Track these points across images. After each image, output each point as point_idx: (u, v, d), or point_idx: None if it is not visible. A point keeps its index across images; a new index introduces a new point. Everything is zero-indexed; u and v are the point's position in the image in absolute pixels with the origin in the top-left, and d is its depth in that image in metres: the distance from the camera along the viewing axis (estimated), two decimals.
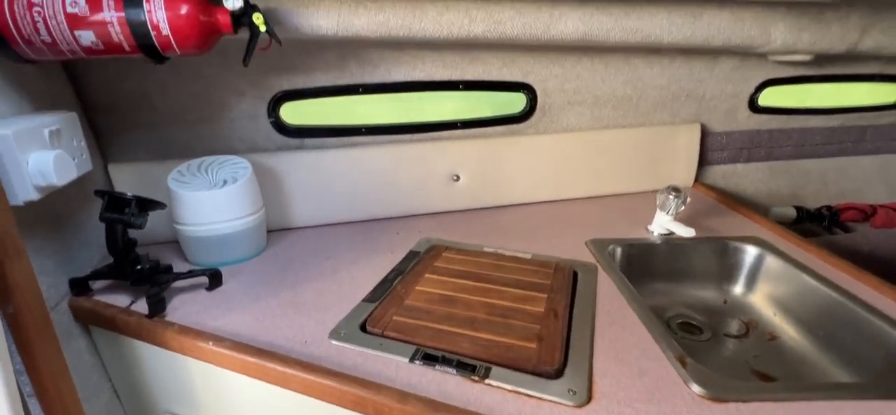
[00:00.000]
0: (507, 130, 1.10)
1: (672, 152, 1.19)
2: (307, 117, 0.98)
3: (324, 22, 0.75)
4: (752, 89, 1.19)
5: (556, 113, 1.10)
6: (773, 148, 1.28)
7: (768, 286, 0.85)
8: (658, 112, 1.17)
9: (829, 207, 1.26)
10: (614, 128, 1.16)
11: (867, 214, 1.22)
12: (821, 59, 1.08)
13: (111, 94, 0.83)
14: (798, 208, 1.27)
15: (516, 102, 1.08)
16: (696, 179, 1.24)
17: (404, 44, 0.88)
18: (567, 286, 0.73)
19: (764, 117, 1.25)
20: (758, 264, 0.87)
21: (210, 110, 0.90)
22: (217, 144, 0.94)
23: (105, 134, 0.86)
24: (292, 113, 0.96)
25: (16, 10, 0.56)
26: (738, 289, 0.89)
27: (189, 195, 0.79)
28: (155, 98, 0.85)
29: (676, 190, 0.89)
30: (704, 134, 1.22)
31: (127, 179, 0.87)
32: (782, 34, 0.95)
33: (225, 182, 0.82)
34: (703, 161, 1.24)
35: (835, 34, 0.98)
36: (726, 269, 0.89)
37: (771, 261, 0.84)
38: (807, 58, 1.04)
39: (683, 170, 1.21)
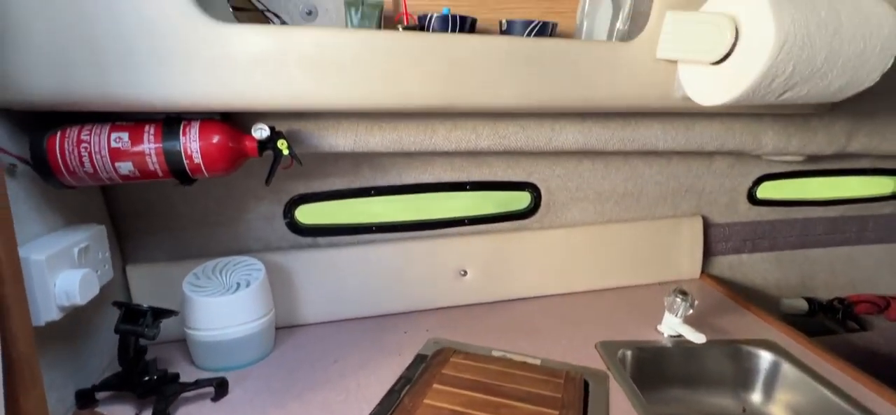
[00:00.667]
0: (513, 226, 1.13)
1: (676, 245, 1.20)
2: (320, 216, 1.02)
3: (341, 141, 0.80)
4: (749, 183, 1.23)
5: (560, 209, 1.14)
6: (777, 238, 1.29)
7: (787, 395, 0.83)
8: (660, 206, 1.21)
9: (841, 300, 1.25)
10: (618, 222, 1.19)
11: (881, 306, 1.20)
12: (814, 156, 1.12)
13: (137, 203, 0.87)
14: (809, 300, 1.26)
15: (522, 199, 1.12)
16: (703, 270, 1.24)
17: (415, 153, 0.94)
18: (578, 400, 0.72)
19: (764, 209, 1.27)
20: (774, 372, 0.85)
21: (229, 214, 0.94)
22: (233, 244, 0.97)
23: (127, 236, 0.90)
24: (306, 213, 1.01)
25: (66, 147, 0.62)
26: (756, 397, 0.86)
27: (202, 301, 0.81)
28: (179, 204, 0.90)
29: (683, 293, 0.89)
30: (707, 226, 1.24)
31: (143, 281, 0.90)
32: (772, 140, 1.00)
33: (238, 286, 0.84)
34: (708, 252, 1.26)
35: (822, 139, 1.02)
36: (742, 375, 0.88)
37: (787, 369, 0.83)
38: (799, 158, 1.08)
39: (688, 262, 1.22)
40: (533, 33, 0.72)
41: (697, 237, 1.22)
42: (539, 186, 1.09)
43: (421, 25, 0.72)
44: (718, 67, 0.68)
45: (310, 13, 0.75)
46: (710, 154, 1.13)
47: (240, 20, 0.66)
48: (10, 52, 0.57)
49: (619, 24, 0.79)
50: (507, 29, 0.73)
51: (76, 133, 0.63)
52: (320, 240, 1.02)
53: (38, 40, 0.57)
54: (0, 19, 0.56)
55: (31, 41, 0.57)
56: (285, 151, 0.72)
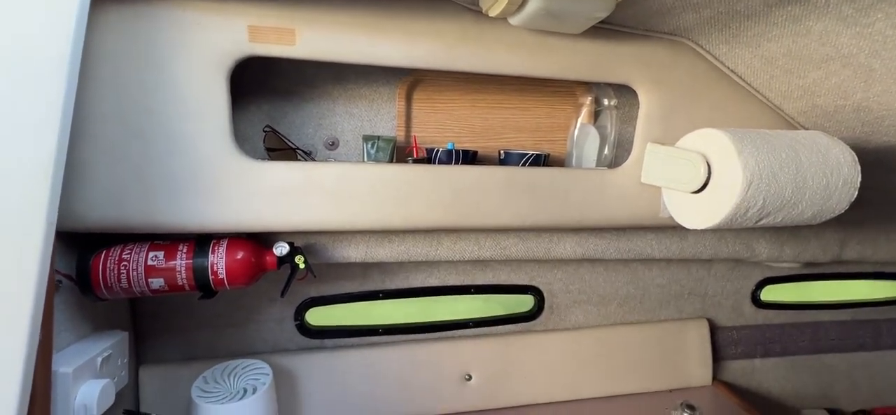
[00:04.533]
0: (517, 328, 1.15)
1: (684, 349, 1.20)
2: (329, 318, 1.07)
3: (353, 253, 0.87)
4: (752, 286, 1.25)
5: (563, 311, 1.17)
6: (788, 343, 1.27)
7: None
8: (663, 309, 1.22)
9: (866, 412, 1.20)
10: (623, 325, 1.20)
11: None
12: (812, 263, 1.15)
13: (158, 304, 0.94)
14: (832, 412, 1.21)
15: (525, 302, 1.16)
16: (714, 376, 1.22)
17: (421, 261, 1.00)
18: None
19: (772, 312, 1.27)
20: None
21: (241, 315, 1.00)
22: (242, 345, 1.01)
23: (143, 337, 0.96)
24: (316, 315, 1.05)
25: (108, 265, 0.70)
26: None
27: (210, 408, 0.84)
28: (194, 306, 0.96)
29: (691, 407, 0.89)
30: (714, 329, 1.24)
31: (153, 384, 0.94)
32: (766, 248, 1.04)
33: (245, 391, 0.87)
34: (718, 356, 1.24)
35: (816, 248, 1.06)
36: None
37: None
38: (797, 265, 1.11)
39: (698, 367, 1.20)
40: (528, 163, 0.81)
41: (705, 341, 1.21)
42: (542, 289, 1.13)
43: (429, 158, 0.81)
44: (697, 196, 0.74)
45: (332, 144, 0.86)
46: (709, 259, 1.16)
47: (272, 158, 0.76)
48: (75, 188, 0.67)
49: (606, 151, 0.87)
50: (505, 159, 0.82)
51: (119, 252, 0.71)
52: (327, 342, 1.06)
53: (101, 178, 0.67)
54: (70, 159, 0.66)
55: (95, 179, 0.67)
56: (302, 266, 0.79)
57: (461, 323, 1.12)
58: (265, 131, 0.76)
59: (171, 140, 0.68)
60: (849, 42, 0.69)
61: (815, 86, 0.80)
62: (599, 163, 0.88)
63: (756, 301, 1.26)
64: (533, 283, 1.13)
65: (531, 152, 0.81)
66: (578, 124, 0.85)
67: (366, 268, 1.01)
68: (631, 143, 0.85)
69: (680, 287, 1.20)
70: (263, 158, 0.72)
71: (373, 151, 0.80)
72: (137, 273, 0.70)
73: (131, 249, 0.72)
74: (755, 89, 0.86)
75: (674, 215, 0.80)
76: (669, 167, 0.77)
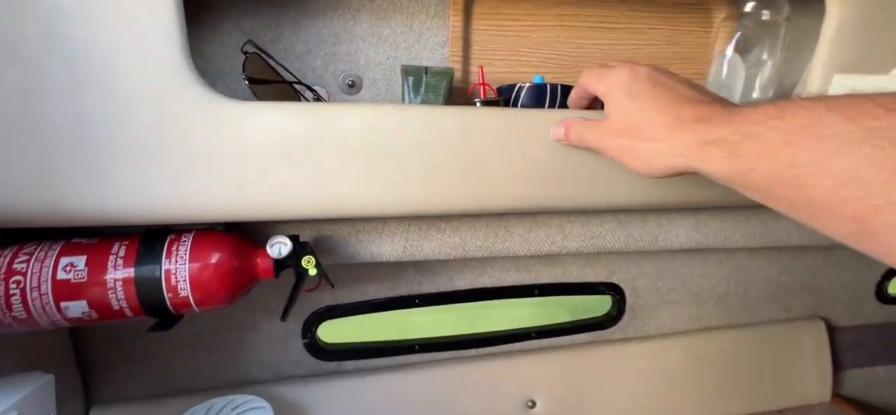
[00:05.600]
0: (591, 338, 0.89)
1: (796, 356, 0.95)
2: (349, 334, 0.79)
3: (386, 248, 0.59)
4: (878, 277, 0.99)
5: (648, 314, 0.90)
6: None
7: None
8: (769, 307, 0.96)
9: None
10: (718, 329, 0.94)
11: None
12: None
13: (109, 327, 0.66)
14: None
15: (601, 304, 0.89)
16: (834, 391, 0.97)
17: None
18: None
19: None
20: None
21: (232, 335, 0.72)
22: (232, 373, 0.74)
23: (93, 368, 0.68)
24: (331, 330, 0.78)
25: None
26: None
27: None
28: None
29: None
30: (831, 331, 0.99)
31: None
32: None
33: None
34: (837, 365, 0.99)
35: None
36: None
37: None
38: None
39: (815, 379, 0.95)
40: None
41: (823, 346, 0.96)
42: (623, 287, 0.86)
43: (505, 99, 0.53)
44: None
45: (352, 85, 0.57)
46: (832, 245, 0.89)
47: (260, 97, 0.47)
48: None
49: (755, 94, 0.59)
50: None
51: (7, 261, 0.42)
52: (347, 364, 0.78)
53: None
54: None
55: None
56: (312, 272, 0.51)
57: (521, 334, 0.85)
58: (246, 53, 0.46)
59: (88, 73, 0.39)
60: None
61: None
62: None
63: (882, 295, 0.99)
64: (613, 279, 0.85)
65: None
66: (729, 52, 0.56)
67: (399, 265, 0.73)
68: (784, 86, 0.57)
69: (791, 279, 0.94)
70: (248, 99, 0.43)
71: (418, 91, 0.51)
72: (41, 294, 0.42)
73: (31, 255, 0.43)
74: None
75: None
76: None
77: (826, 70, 0.54)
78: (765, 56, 0.57)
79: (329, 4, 0.54)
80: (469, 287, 0.79)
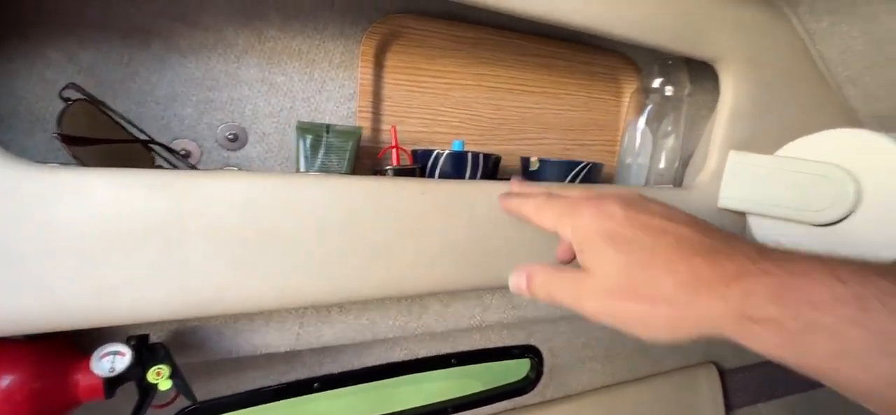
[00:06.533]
0: (511, 404, 0.84)
1: (695, 400, 0.99)
2: None
3: (275, 337, 0.48)
4: None
5: (565, 374, 0.88)
6: (789, 382, 1.14)
7: None
8: (671, 356, 1.00)
9: None
10: (630, 382, 0.95)
11: None
12: None
13: None
14: None
15: (519, 368, 0.85)
16: None
17: None
18: None
19: None
20: None
21: None
22: None
23: None
24: None
25: None
26: None
27: None
28: None
29: None
30: (721, 374, 1.06)
31: None
32: None
33: None
34: (729, 405, 1.06)
35: None
36: None
37: None
38: None
39: None
40: (578, 178, 0.50)
41: (716, 389, 1.02)
42: (541, 348, 0.83)
43: (421, 166, 0.46)
44: (823, 231, 0.50)
45: (234, 139, 0.46)
46: None
47: (87, 162, 0.35)
48: None
49: (661, 165, 0.60)
50: (539, 171, 0.50)
51: None
52: None
53: None
54: None
55: None
56: (165, 386, 0.38)
57: (438, 410, 0.77)
58: (67, 100, 0.34)
59: None
60: None
61: None
62: (649, 179, 0.61)
63: None
64: (530, 341, 0.82)
65: (584, 162, 0.50)
66: (641, 123, 0.56)
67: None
68: (684, 154, 0.60)
69: None
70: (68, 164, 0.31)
71: (316, 153, 0.42)
72: None
73: None
74: (837, 83, 0.66)
75: None
76: (776, 187, 0.52)
77: (722, 147, 0.57)
78: (669, 128, 0.59)
79: (204, 42, 0.44)
80: (379, 363, 0.69)
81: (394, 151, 0.45)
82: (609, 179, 0.63)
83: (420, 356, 0.72)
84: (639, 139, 0.56)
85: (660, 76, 0.57)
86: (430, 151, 0.45)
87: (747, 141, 0.59)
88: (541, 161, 0.50)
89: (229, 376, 0.60)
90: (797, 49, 0.60)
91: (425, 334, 0.70)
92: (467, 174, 0.45)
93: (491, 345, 0.78)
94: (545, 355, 0.84)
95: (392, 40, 0.50)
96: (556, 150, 0.60)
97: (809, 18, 0.58)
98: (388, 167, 0.44)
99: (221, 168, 0.46)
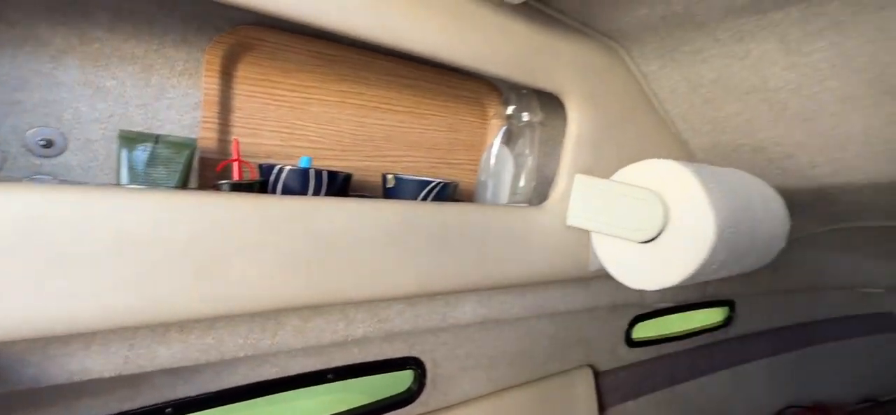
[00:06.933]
0: None
1: (572, 402, 1.07)
2: None
3: (98, 361, 0.44)
4: (626, 326, 1.21)
5: (448, 383, 0.90)
6: (656, 379, 1.28)
7: None
8: (551, 362, 1.07)
9: None
10: (511, 388, 1.00)
11: None
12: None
13: None
14: None
15: (401, 380, 0.86)
16: None
17: None
18: None
19: (640, 350, 1.26)
20: None
21: None
22: None
23: None
24: None
25: None
26: None
27: None
28: None
29: None
30: (596, 375, 1.15)
31: None
32: (654, 294, 0.98)
33: None
34: (603, 404, 1.15)
35: (691, 289, 1.05)
36: None
37: None
38: (671, 303, 1.09)
39: None
40: (431, 196, 0.52)
41: (590, 390, 1.11)
42: (423, 359, 0.85)
43: (262, 182, 0.45)
44: (645, 247, 0.57)
45: (48, 145, 0.42)
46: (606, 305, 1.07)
47: None
48: None
49: (521, 183, 0.65)
50: (395, 188, 0.52)
51: None
52: None
53: None
54: None
55: None
56: None
57: None
58: None
59: None
60: (779, 73, 0.62)
61: (726, 120, 0.73)
62: (512, 198, 0.66)
63: (629, 340, 1.22)
64: (412, 353, 0.83)
65: (436, 180, 0.52)
66: (497, 144, 0.60)
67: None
68: (547, 174, 0.65)
69: (567, 335, 1.08)
70: None
71: (142, 163, 0.40)
72: None
73: None
74: (671, 119, 0.76)
75: (612, 271, 0.62)
76: (607, 208, 0.59)
77: (570, 170, 0.63)
78: (527, 151, 0.64)
79: (11, 38, 0.40)
80: (245, 382, 0.66)
81: (236, 164, 0.44)
82: (469, 197, 0.67)
83: (293, 373, 0.70)
84: (493, 160, 0.60)
85: (514, 103, 0.61)
86: (274, 166, 0.45)
87: (592, 166, 0.66)
88: (397, 179, 0.52)
89: (59, 405, 0.54)
90: (634, 87, 0.68)
91: (298, 350, 0.69)
92: (310, 191, 0.45)
93: (371, 358, 0.78)
94: (428, 365, 0.86)
95: (243, 51, 0.49)
96: (422, 168, 0.63)
97: (642, 61, 0.67)
98: (223, 182, 0.43)
99: (29, 177, 0.42)
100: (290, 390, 0.71)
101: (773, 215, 0.60)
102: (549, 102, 0.67)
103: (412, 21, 0.45)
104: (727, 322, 1.46)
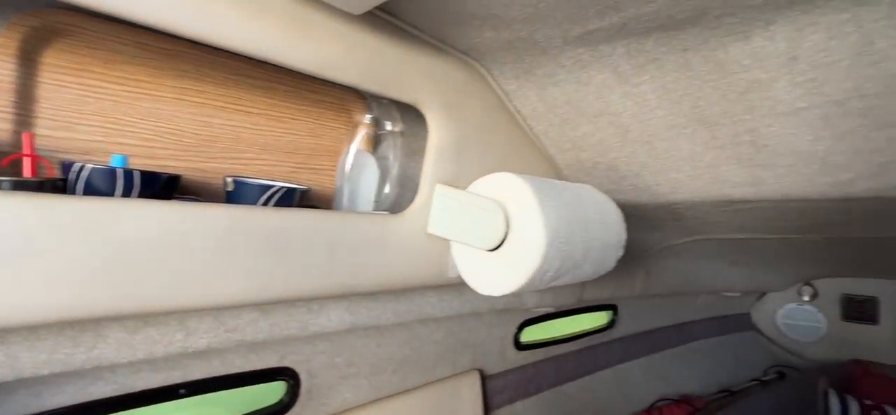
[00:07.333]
0: None
1: (458, 407, 1.10)
2: None
3: None
4: (515, 330, 1.27)
5: (326, 394, 0.88)
6: (541, 380, 1.35)
7: None
8: (439, 367, 1.09)
9: None
10: (397, 395, 1.00)
11: None
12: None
13: None
14: None
15: (273, 391, 0.82)
16: None
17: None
18: None
19: (528, 352, 1.32)
20: None
21: None
22: None
23: None
24: None
25: None
26: None
27: None
28: None
29: None
30: (484, 379, 1.20)
31: None
32: (531, 297, 1.04)
33: None
34: (488, 407, 1.20)
35: (567, 293, 1.13)
36: None
37: None
38: (553, 309, 1.17)
39: None
40: (273, 201, 0.51)
41: (477, 394, 1.14)
42: (297, 369, 0.82)
43: (61, 180, 0.41)
44: (492, 255, 0.60)
45: None
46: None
47: None
48: None
49: (386, 190, 0.66)
50: (235, 193, 0.50)
51: None
52: None
53: None
54: None
55: None
56: None
57: None
58: None
59: None
60: (618, 100, 0.69)
61: (582, 139, 0.80)
62: (378, 205, 0.66)
63: (517, 344, 1.28)
64: (285, 363, 0.81)
65: (280, 184, 0.51)
66: (353, 151, 0.60)
67: None
68: (417, 182, 0.67)
69: (455, 340, 1.10)
70: None
71: None
72: None
73: None
74: (536, 136, 0.82)
75: (465, 278, 0.64)
76: (462, 217, 0.62)
77: (431, 180, 0.65)
78: (391, 158, 0.65)
79: None
80: (72, 403, 0.59)
81: (29, 159, 0.40)
82: (327, 204, 0.66)
83: (137, 390, 0.64)
84: (349, 166, 0.60)
85: (375, 111, 0.62)
86: (73, 165, 0.41)
87: (455, 176, 0.68)
88: (236, 182, 0.50)
89: None
90: (496, 103, 0.73)
91: (141, 364, 0.63)
92: (119, 192, 0.42)
93: (235, 370, 0.74)
94: (302, 375, 0.83)
95: (51, 37, 0.44)
96: (280, 172, 0.61)
97: (502, 80, 0.71)
98: (3, 179, 0.38)
99: None
100: (131, 409, 0.65)
101: (608, 228, 0.66)
102: (417, 112, 0.69)
103: (244, 22, 0.43)
104: (611, 324, 1.59)
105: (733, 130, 0.69)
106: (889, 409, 1.58)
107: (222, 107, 0.55)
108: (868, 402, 1.60)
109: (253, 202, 0.51)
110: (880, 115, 0.58)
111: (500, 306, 1.02)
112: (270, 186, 0.50)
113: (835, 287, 2.00)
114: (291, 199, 0.52)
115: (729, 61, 0.58)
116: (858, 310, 1.90)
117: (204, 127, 0.54)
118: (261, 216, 0.48)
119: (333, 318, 0.71)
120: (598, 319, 1.58)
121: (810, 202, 0.81)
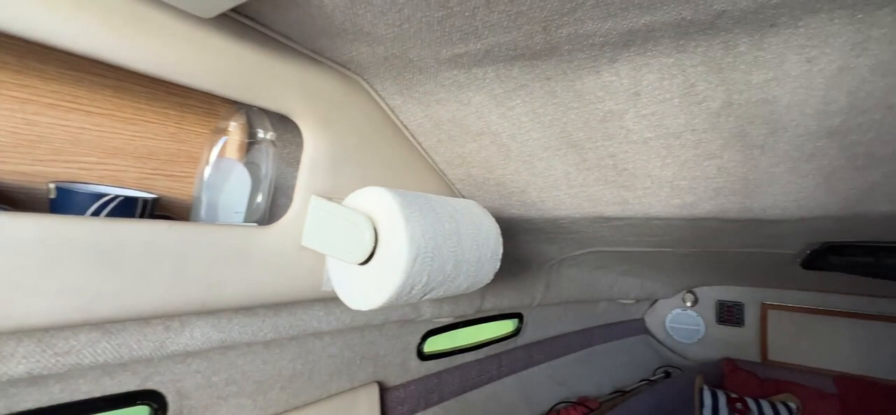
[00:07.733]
0: None
1: None
2: None
3: None
4: (418, 341, 1.27)
5: None
6: (444, 390, 1.36)
7: None
8: (335, 381, 1.07)
9: None
10: (285, 412, 0.96)
11: None
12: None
13: None
14: None
15: None
16: None
17: None
18: None
19: (432, 362, 1.34)
20: None
21: None
22: None
23: None
24: None
25: None
26: None
27: None
28: None
29: None
30: (383, 391, 1.18)
31: None
32: (429, 309, 1.05)
33: None
34: None
35: (465, 303, 1.16)
36: None
37: None
38: (452, 319, 1.19)
39: None
40: (107, 210, 0.46)
41: (375, 407, 1.13)
42: (163, 391, 0.76)
43: None
44: (363, 268, 0.60)
45: None
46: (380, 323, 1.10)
47: None
48: None
49: (259, 200, 0.63)
50: (58, 200, 0.45)
51: None
52: None
53: None
54: None
55: None
56: None
57: None
58: None
59: None
60: (496, 120, 0.73)
61: (470, 156, 0.83)
62: (249, 215, 0.64)
63: (420, 354, 1.29)
64: (148, 385, 0.74)
65: (116, 192, 0.47)
66: (213, 158, 0.57)
67: None
68: (292, 192, 0.65)
69: (352, 353, 1.08)
70: None
71: None
72: None
73: None
74: (425, 151, 0.83)
75: (338, 291, 0.63)
76: (334, 230, 0.61)
77: (305, 191, 0.64)
78: (263, 167, 0.63)
79: None
80: None
81: None
82: (184, 214, 0.62)
83: None
84: (207, 175, 0.57)
85: (244, 119, 0.60)
86: None
87: (332, 189, 0.67)
88: (58, 189, 0.45)
89: None
90: (379, 117, 0.73)
91: None
92: None
93: (80, 397, 0.66)
94: (170, 398, 0.77)
95: None
96: (130, 178, 0.56)
97: (386, 95, 0.71)
98: None
99: None
100: None
101: (482, 242, 0.69)
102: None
103: (62, 15, 0.39)
104: (517, 332, 1.66)
105: (597, 153, 0.75)
106: (749, 401, 1.81)
107: (52, 105, 0.50)
108: (733, 395, 1.81)
109: (82, 211, 0.46)
110: (708, 147, 0.67)
111: (395, 318, 1.02)
112: (104, 194, 0.46)
113: (711, 294, 2.26)
114: (132, 208, 0.48)
115: (586, 91, 0.64)
116: (728, 313, 2.16)
117: (26, 125, 0.49)
118: (86, 227, 0.44)
119: (198, 335, 0.66)
120: (505, 327, 1.63)
121: (667, 220, 0.91)
